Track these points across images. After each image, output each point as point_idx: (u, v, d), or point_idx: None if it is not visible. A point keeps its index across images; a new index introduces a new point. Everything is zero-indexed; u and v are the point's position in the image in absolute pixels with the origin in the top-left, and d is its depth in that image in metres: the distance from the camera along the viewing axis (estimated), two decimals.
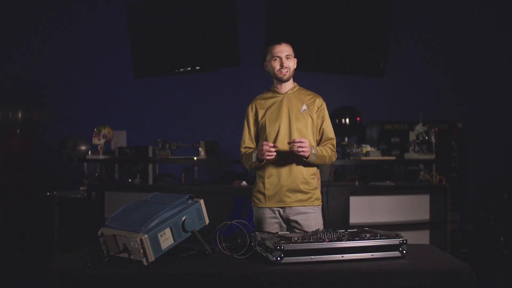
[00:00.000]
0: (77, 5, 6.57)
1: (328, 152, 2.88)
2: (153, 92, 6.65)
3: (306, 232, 2.46)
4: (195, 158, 4.55)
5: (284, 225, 2.90)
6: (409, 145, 4.93)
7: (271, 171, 2.85)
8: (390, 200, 4.61)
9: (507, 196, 5.65)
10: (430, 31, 6.60)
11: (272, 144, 2.72)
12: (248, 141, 2.97)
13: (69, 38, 6.58)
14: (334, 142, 2.96)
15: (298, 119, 2.87)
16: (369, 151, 4.72)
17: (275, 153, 2.73)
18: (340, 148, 4.87)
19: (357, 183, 4.99)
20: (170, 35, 6.48)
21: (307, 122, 2.88)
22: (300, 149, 2.70)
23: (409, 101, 6.51)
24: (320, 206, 2.95)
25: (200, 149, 4.60)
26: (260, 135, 2.95)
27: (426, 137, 4.80)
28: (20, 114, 6.12)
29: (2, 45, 6.58)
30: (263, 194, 2.88)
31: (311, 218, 2.87)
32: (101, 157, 4.82)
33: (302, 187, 2.85)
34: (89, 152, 5.07)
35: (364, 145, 4.76)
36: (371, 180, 4.93)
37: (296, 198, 2.85)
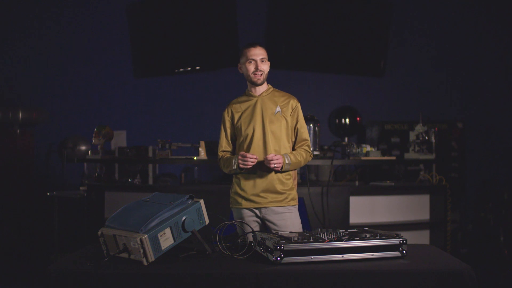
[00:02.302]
0: (77, 5, 6.57)
1: (303, 155, 2.93)
2: (153, 92, 6.65)
3: (284, 232, 2.50)
4: (195, 158, 4.55)
5: (261, 222, 2.96)
6: (409, 145, 4.93)
7: (248, 173, 2.90)
8: (390, 200, 4.61)
9: (507, 196, 5.65)
10: (430, 31, 6.60)
11: (254, 157, 2.79)
12: (225, 145, 3.03)
13: (69, 38, 6.58)
14: (309, 143, 3.01)
15: (272, 121, 2.91)
16: (369, 151, 4.72)
17: (255, 162, 2.80)
18: (340, 148, 4.87)
19: (357, 183, 4.99)
20: (170, 35, 6.48)
21: (281, 124, 2.92)
22: (273, 165, 2.79)
23: (409, 101, 6.51)
24: (297, 206, 2.99)
25: (200, 149, 4.60)
26: (237, 138, 3.00)
27: (426, 137, 4.79)
28: (20, 114, 6.12)
29: (2, 45, 6.58)
30: (240, 195, 2.92)
31: (287, 218, 2.91)
32: (101, 157, 4.81)
33: (277, 188, 2.90)
34: (89, 152, 5.07)
35: (364, 145, 4.76)
36: (371, 180, 4.93)
37: (271, 199, 2.89)
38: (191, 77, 6.58)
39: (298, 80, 6.20)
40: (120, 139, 5.50)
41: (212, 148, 4.79)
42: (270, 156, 2.78)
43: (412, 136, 4.90)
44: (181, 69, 6.54)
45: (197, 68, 6.53)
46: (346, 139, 6.00)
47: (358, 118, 6.48)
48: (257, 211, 2.92)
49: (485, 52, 6.53)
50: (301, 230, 2.94)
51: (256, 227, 2.92)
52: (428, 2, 6.62)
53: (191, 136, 5.48)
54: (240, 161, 2.80)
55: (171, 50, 6.49)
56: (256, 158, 2.79)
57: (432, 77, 6.60)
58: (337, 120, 6.46)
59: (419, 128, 4.83)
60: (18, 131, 6.23)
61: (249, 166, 2.80)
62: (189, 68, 6.52)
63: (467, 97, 6.54)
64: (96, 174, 5.09)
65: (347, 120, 6.43)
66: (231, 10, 6.27)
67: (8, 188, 6.07)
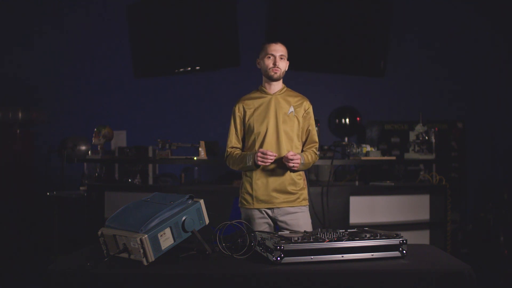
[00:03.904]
0: (77, 5, 6.57)
1: (312, 156, 2.94)
2: (153, 92, 6.65)
3: (298, 232, 2.48)
4: (195, 158, 4.55)
5: (272, 223, 2.94)
6: (409, 145, 4.93)
7: (259, 172, 2.88)
8: (390, 200, 4.61)
9: (507, 196, 5.65)
10: (430, 31, 6.60)
11: (274, 154, 2.76)
12: (235, 141, 2.98)
13: (69, 38, 6.58)
14: (317, 146, 3.01)
15: (285, 121, 2.90)
16: (369, 151, 4.72)
17: (273, 160, 2.79)
18: (340, 148, 4.88)
19: (357, 183, 4.99)
20: (170, 35, 6.48)
21: (294, 124, 2.91)
22: (291, 164, 2.77)
23: (409, 101, 6.51)
24: (308, 206, 2.98)
25: (200, 149, 4.60)
26: (246, 135, 2.96)
27: (426, 137, 4.79)
28: (20, 114, 6.12)
29: (2, 45, 6.59)
30: (251, 195, 2.90)
31: (300, 217, 2.91)
32: (101, 157, 4.81)
33: (290, 188, 2.88)
34: (89, 152, 5.07)
35: (364, 145, 4.76)
36: (371, 180, 4.93)
37: (284, 199, 2.88)
38: (191, 77, 6.58)
39: (298, 80, 6.17)
40: (120, 139, 5.50)
41: (212, 148, 4.79)
42: (290, 155, 2.75)
43: (412, 136, 4.90)
44: (181, 69, 6.54)
45: (197, 68, 6.53)
46: (346, 139, 6.00)
47: (358, 118, 6.48)
48: (269, 212, 2.90)
49: (485, 52, 6.53)
50: (311, 229, 2.92)
51: (266, 229, 2.89)
52: (428, 2, 6.62)
53: (191, 136, 5.48)
54: (259, 158, 2.76)
55: (171, 50, 6.49)
56: (275, 155, 2.77)
57: (432, 77, 6.60)
58: (337, 120, 6.46)
59: (419, 128, 4.83)
60: (18, 131, 6.23)
61: (268, 164, 2.78)
62: (189, 68, 6.52)
63: (467, 97, 6.54)
64: (96, 174, 5.09)
65: (347, 120, 6.43)
66: (231, 10, 6.27)
67: (8, 188, 6.07)
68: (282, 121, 2.89)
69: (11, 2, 6.56)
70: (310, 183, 4.43)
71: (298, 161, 2.78)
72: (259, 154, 2.76)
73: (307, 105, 2.96)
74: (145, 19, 6.54)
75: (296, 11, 6.41)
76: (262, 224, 2.89)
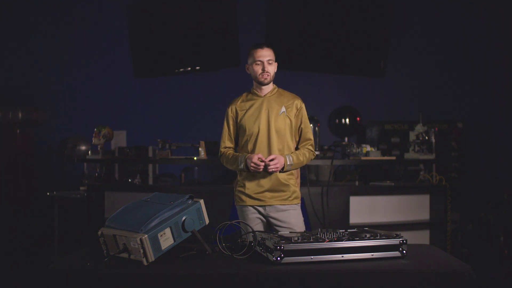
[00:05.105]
0: (77, 5, 6.57)
1: (306, 155, 2.98)
2: (153, 92, 6.65)
3: (290, 230, 2.51)
4: (195, 158, 4.55)
5: (265, 220, 3.00)
6: (409, 145, 4.93)
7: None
8: (390, 200, 4.61)
9: (507, 196, 5.65)
10: (430, 31, 6.60)
11: (263, 164, 2.83)
12: (227, 142, 3.06)
13: (69, 38, 6.58)
14: (312, 143, 3.05)
15: (277, 121, 2.94)
16: (369, 151, 4.72)
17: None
18: (340, 148, 4.88)
19: (357, 183, 4.98)
20: (170, 35, 6.48)
21: (286, 124, 2.96)
22: (270, 170, 2.84)
23: (409, 101, 6.51)
24: (299, 205, 3.03)
25: (200, 149, 4.60)
26: (239, 136, 3.03)
27: (426, 137, 4.79)
28: (20, 114, 6.12)
29: (2, 45, 6.59)
30: (244, 193, 2.96)
31: (292, 215, 2.96)
32: (101, 157, 4.81)
33: (281, 187, 2.94)
34: (89, 152, 5.07)
35: (364, 145, 4.76)
36: (371, 180, 4.92)
37: (275, 197, 2.94)
38: (191, 77, 6.58)
39: (298, 80, 6.20)
40: (120, 139, 5.50)
41: (212, 148, 4.79)
42: (266, 161, 2.83)
43: (412, 136, 4.90)
44: (181, 69, 6.54)
45: (197, 68, 6.53)
46: (346, 139, 6.00)
47: (358, 118, 6.48)
48: (261, 209, 2.95)
49: (485, 52, 6.53)
50: (303, 228, 2.97)
51: (259, 224, 2.96)
52: (428, 2, 6.62)
53: (191, 136, 5.48)
54: (252, 167, 2.84)
55: (171, 50, 6.49)
56: (266, 161, 2.85)
57: (432, 77, 6.60)
58: (337, 120, 6.46)
59: (419, 128, 4.83)
60: (18, 131, 6.23)
61: (261, 170, 2.85)
62: (189, 68, 6.52)
63: (467, 97, 6.54)
64: (96, 174, 5.09)
65: (347, 120, 6.43)
66: (231, 10, 6.27)
67: (8, 188, 6.07)
68: (274, 122, 2.93)
69: (11, 2, 6.56)
70: (310, 183, 4.43)
71: (278, 165, 2.85)
72: (252, 164, 2.83)
73: (299, 103, 3.00)
74: (145, 19, 6.54)
75: (296, 10, 6.41)
76: (255, 219, 2.95)
